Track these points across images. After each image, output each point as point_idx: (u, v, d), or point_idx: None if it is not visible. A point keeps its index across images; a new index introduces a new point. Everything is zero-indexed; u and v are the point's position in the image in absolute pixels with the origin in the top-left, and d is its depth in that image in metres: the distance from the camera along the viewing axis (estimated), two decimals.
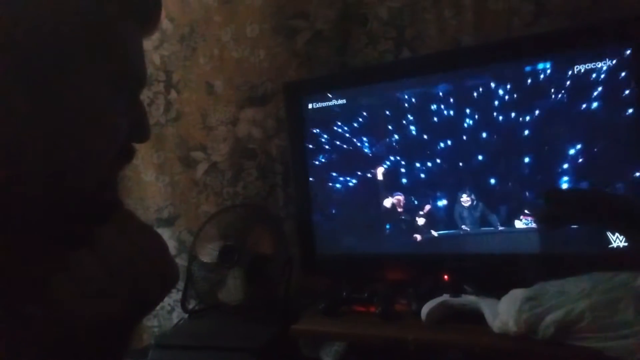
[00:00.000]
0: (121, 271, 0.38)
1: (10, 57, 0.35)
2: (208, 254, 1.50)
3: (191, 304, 1.60)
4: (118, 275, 0.38)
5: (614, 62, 1.06)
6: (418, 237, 1.30)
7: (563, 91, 1.12)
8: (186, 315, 1.57)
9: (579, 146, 1.12)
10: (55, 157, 0.38)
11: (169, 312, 1.82)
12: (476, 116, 1.22)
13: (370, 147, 1.35)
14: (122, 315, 0.38)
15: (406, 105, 1.30)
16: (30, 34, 0.36)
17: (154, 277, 0.40)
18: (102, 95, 0.39)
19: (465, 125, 1.23)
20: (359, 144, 1.36)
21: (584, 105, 1.10)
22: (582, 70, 1.09)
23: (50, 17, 0.37)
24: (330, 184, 1.41)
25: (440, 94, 1.26)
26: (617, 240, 1.08)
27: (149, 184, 1.82)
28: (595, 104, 1.09)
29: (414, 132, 1.29)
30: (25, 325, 0.36)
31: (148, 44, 1.76)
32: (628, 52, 1.06)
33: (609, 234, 1.09)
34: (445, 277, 1.25)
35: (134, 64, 0.43)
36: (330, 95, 1.38)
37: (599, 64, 1.07)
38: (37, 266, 0.39)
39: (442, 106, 1.25)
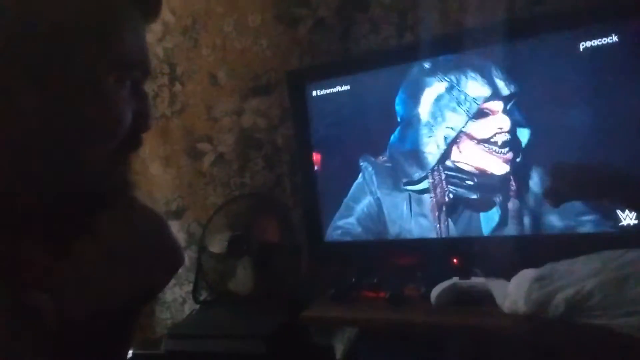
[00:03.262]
0: (123, 257, 0.38)
1: (18, 55, 0.36)
2: (217, 244, 1.51)
3: (202, 295, 1.61)
4: (120, 261, 0.38)
5: (622, 37, 1.04)
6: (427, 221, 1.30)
7: (571, 69, 1.10)
8: (198, 307, 1.58)
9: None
10: (62, 148, 0.38)
11: (181, 303, 1.84)
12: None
13: (376, 133, 1.34)
14: (125, 301, 0.38)
15: (410, 89, 1.29)
16: (35, 30, 0.36)
17: (157, 262, 0.40)
18: (107, 85, 0.40)
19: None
20: (364, 130, 1.35)
21: (594, 83, 1.08)
22: (589, 47, 1.07)
23: (54, 11, 0.37)
24: (337, 171, 1.40)
25: (444, 76, 1.24)
26: (627, 218, 1.07)
27: (157, 177, 1.83)
28: (604, 81, 1.07)
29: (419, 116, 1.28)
30: (30, 315, 0.37)
31: (151, 36, 1.76)
32: (635, 26, 1.04)
33: (619, 212, 1.08)
34: (454, 260, 1.25)
35: (137, 53, 0.43)
36: (334, 82, 1.38)
37: (606, 40, 1.05)
38: (40, 256, 0.39)
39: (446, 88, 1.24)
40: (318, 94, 1.40)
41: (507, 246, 1.21)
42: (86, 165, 0.40)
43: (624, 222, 1.07)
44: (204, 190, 1.76)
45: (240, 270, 1.47)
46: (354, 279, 1.31)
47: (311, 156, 1.42)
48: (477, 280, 1.14)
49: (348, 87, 1.36)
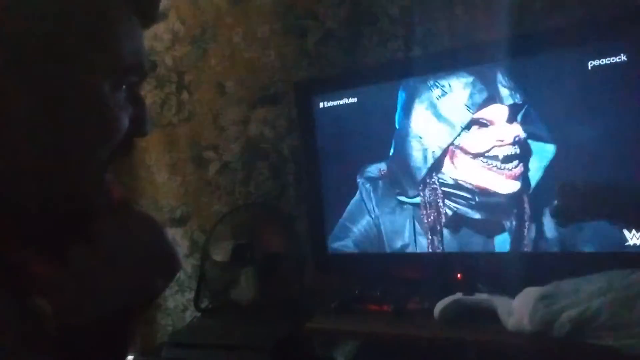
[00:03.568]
0: (120, 262, 0.39)
1: (16, 58, 0.36)
2: (221, 253, 1.51)
3: (204, 303, 1.61)
4: (117, 266, 0.38)
5: (632, 54, 1.04)
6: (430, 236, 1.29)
7: (579, 86, 1.10)
8: (199, 314, 1.58)
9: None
10: (60, 151, 0.39)
11: (182, 311, 1.84)
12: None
13: (378, 147, 1.34)
14: (123, 306, 0.39)
15: (405, 99, 1.28)
16: (31, 32, 0.36)
17: (154, 267, 0.40)
18: (102, 89, 0.39)
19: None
20: (367, 144, 1.35)
21: (603, 101, 1.07)
22: (599, 65, 1.07)
23: (49, 14, 0.37)
24: (342, 183, 1.40)
25: (436, 85, 1.23)
26: (634, 238, 1.06)
27: (162, 185, 1.84)
28: (613, 99, 1.07)
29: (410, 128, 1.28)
30: (31, 321, 0.37)
31: (160, 45, 1.78)
32: None
33: (626, 232, 1.07)
34: (459, 275, 1.24)
35: (133, 57, 0.42)
36: (341, 94, 1.38)
37: (615, 58, 1.05)
38: (38, 261, 0.39)
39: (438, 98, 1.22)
40: (325, 105, 1.41)
41: (511, 263, 1.20)
42: (83, 169, 0.40)
43: (630, 242, 1.06)
44: (209, 198, 1.77)
45: (243, 280, 1.47)
46: (357, 291, 1.31)
47: (317, 167, 1.42)
48: (481, 297, 1.14)
49: (355, 99, 1.37)
